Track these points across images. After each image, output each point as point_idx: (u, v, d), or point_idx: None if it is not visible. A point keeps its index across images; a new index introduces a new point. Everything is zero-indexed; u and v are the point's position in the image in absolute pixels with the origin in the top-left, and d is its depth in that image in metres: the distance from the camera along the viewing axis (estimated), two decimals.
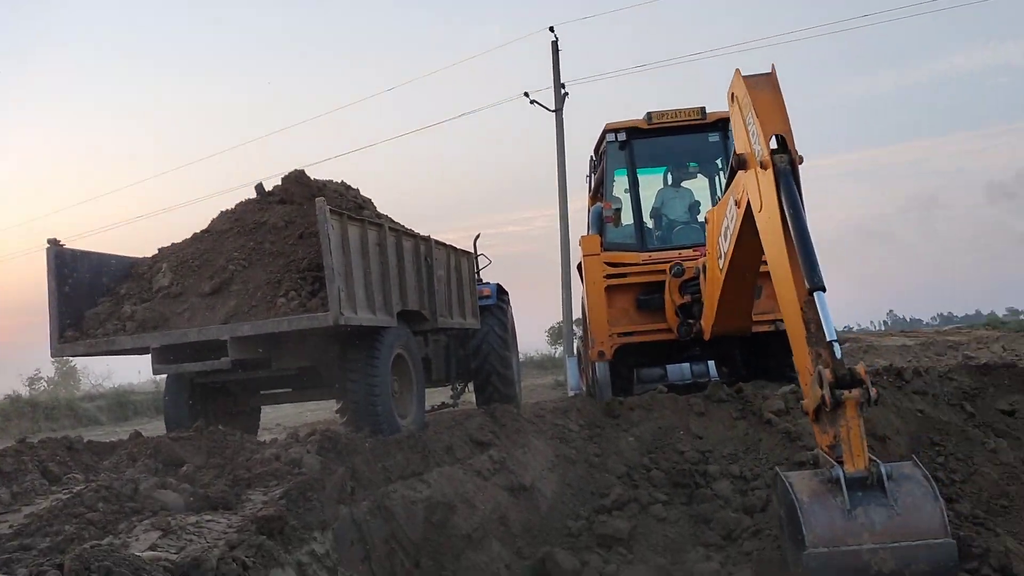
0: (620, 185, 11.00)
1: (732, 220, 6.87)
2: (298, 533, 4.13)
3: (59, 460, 5.04)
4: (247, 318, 6.53)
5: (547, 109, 23.68)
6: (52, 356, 6.85)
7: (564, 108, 23.76)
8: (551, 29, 24.09)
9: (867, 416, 7.46)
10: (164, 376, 7.49)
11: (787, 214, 5.23)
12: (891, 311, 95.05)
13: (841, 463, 4.68)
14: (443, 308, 8.45)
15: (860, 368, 4.75)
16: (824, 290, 5.02)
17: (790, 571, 4.97)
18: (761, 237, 5.94)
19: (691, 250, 9.98)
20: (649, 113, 10.50)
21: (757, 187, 5.80)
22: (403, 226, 7.94)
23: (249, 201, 8.00)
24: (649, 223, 11.08)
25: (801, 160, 5.56)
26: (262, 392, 8.06)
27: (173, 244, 7.73)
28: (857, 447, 4.65)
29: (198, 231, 7.80)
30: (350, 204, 7.66)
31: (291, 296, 6.56)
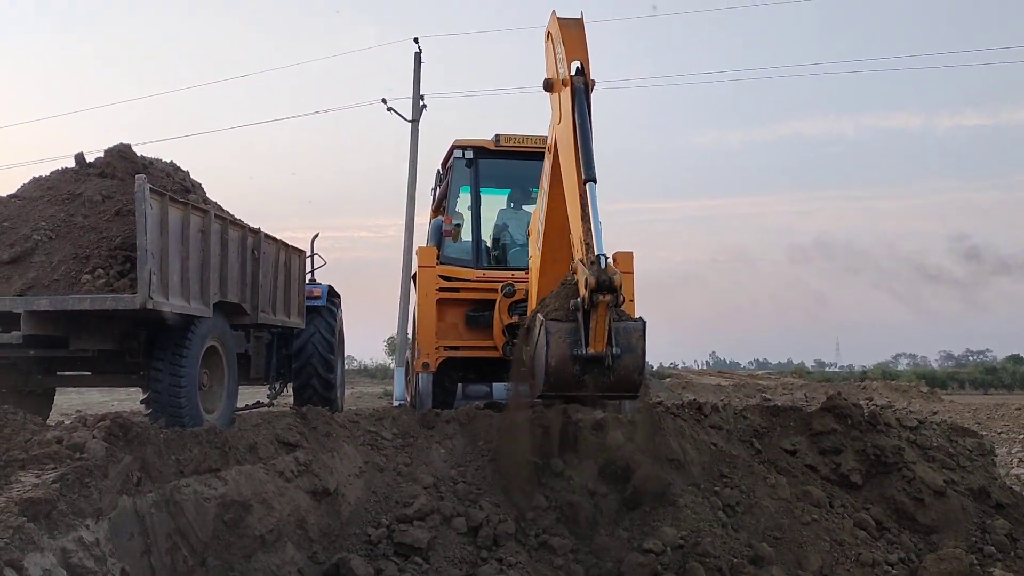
0: (463, 201, 11.17)
1: (547, 174, 7.92)
2: (67, 519, 3.91)
3: None
4: (46, 292, 6.13)
5: (403, 118, 23.68)
6: None
7: (421, 119, 23.86)
8: (415, 40, 24.20)
9: (661, 433, 7.96)
10: None
11: (576, 122, 6.62)
12: (713, 352, 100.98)
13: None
14: (266, 304, 8.24)
15: (617, 278, 6.12)
16: (595, 182, 6.49)
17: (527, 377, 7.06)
18: (559, 150, 7.13)
19: (524, 272, 10.25)
20: (497, 135, 10.74)
21: (559, 105, 7.04)
22: (231, 215, 7.71)
23: (67, 171, 7.53)
24: (488, 242, 11.29)
25: (594, 84, 6.86)
26: (58, 373, 7.56)
27: None
28: (600, 336, 6.26)
29: (4, 195, 7.26)
30: (177, 186, 7.36)
31: (98, 274, 6.23)
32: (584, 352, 6.35)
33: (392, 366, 43.68)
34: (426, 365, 9.94)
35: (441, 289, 10.13)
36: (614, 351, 6.39)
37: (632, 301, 10.25)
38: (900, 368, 75.67)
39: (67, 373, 7.62)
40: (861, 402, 10.19)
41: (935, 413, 18.05)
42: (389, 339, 50.13)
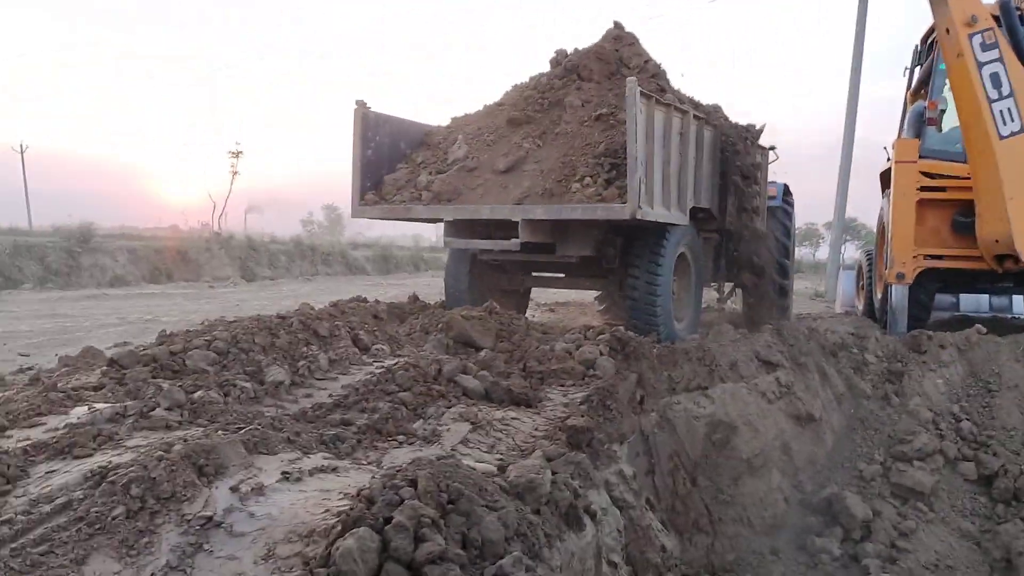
0: None
1: None
2: (605, 448, 3.85)
3: (367, 329, 5.10)
4: (540, 201, 6.25)
5: None
6: (352, 216, 7.02)
7: None
8: None
9: None
10: (441, 245, 7.45)
11: None
12: None
13: None
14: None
15: None
16: None
17: None
18: None
19: None
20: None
21: None
22: (701, 111, 7.21)
23: (543, 75, 7.61)
24: None
25: None
26: (535, 275, 7.91)
27: (467, 115, 7.57)
28: None
29: (490, 104, 7.57)
30: (652, 84, 7.02)
31: (586, 183, 6.18)
32: None
33: (805, 259, 41.45)
34: (900, 276, 8.71)
35: (923, 188, 8.72)
36: None
37: None
38: None
39: (543, 275, 7.93)
40: None
41: None
42: (798, 229, 47.60)
